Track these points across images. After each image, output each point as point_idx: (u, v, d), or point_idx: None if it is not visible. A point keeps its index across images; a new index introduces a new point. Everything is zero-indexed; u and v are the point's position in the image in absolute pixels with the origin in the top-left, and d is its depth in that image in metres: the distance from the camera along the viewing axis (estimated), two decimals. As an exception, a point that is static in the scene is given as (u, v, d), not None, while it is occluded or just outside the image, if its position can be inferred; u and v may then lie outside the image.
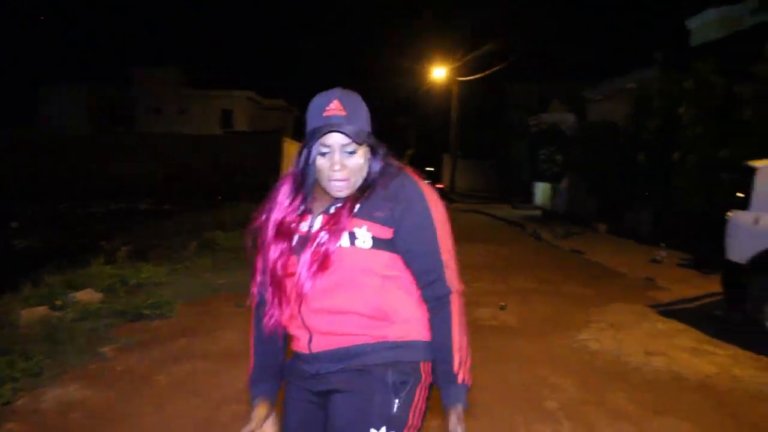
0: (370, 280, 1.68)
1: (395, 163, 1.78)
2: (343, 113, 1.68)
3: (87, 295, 6.67)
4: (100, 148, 30.55)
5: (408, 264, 1.72)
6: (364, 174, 1.73)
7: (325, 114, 1.68)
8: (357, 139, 1.68)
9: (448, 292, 1.69)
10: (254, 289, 1.87)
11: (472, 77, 30.68)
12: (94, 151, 30.27)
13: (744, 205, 6.16)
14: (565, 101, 25.67)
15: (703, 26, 19.49)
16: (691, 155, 11.57)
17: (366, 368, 1.68)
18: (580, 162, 17.85)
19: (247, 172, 30.04)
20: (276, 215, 1.78)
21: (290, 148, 35.75)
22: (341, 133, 1.66)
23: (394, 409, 1.66)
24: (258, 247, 1.81)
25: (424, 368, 1.73)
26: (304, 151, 1.75)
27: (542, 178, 22.04)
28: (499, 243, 13.25)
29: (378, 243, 1.67)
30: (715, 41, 14.17)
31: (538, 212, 21.87)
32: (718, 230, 6.65)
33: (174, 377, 4.68)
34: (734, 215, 6.28)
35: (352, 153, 1.69)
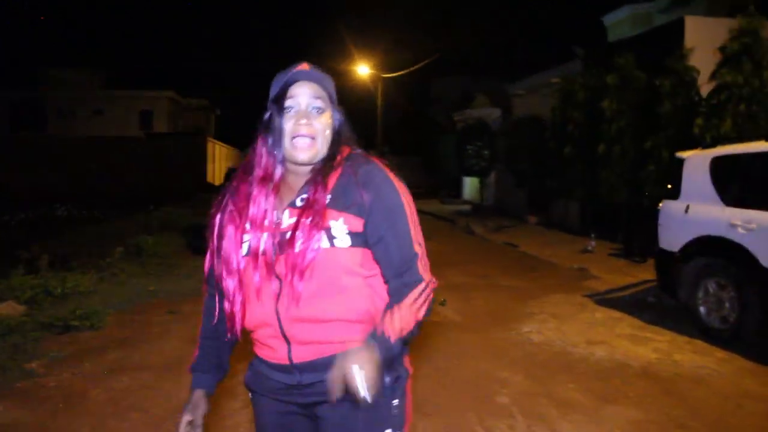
0: (354, 282, 1.57)
1: (360, 150, 1.70)
2: (313, 71, 1.63)
3: (8, 308, 6.30)
4: (6, 153, 29.16)
5: (377, 255, 1.59)
6: (328, 142, 1.63)
7: (293, 71, 1.61)
8: (327, 90, 1.63)
9: (419, 280, 1.57)
10: (206, 286, 1.78)
11: (395, 74, 30.80)
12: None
13: (674, 195, 6.35)
14: (489, 96, 26.11)
15: (618, 23, 20.24)
16: (615, 147, 11.91)
17: None
18: (507, 156, 18.16)
19: (171, 175, 29.26)
20: (237, 207, 1.64)
21: (214, 149, 35.10)
22: (310, 80, 1.60)
23: (395, 410, 1.60)
24: (215, 240, 1.67)
25: (407, 361, 1.69)
26: (269, 116, 1.64)
27: (470, 173, 22.30)
28: (431, 238, 13.22)
29: (355, 239, 1.55)
30: (630, 37, 14.66)
31: (467, 207, 22.14)
32: (644, 220, 6.83)
33: (111, 392, 4.45)
34: (665, 205, 6.46)
35: (320, 111, 1.61)
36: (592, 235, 11.55)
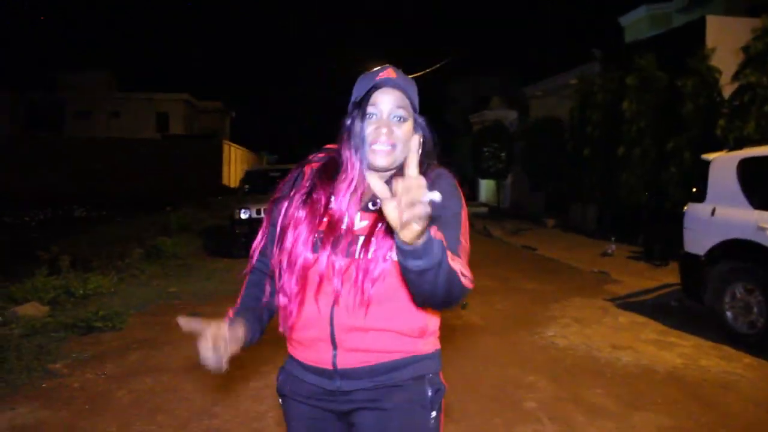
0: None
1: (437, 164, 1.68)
2: (398, 78, 1.61)
3: (32, 309, 6.33)
4: (23, 154, 29.42)
5: None
6: (408, 151, 1.56)
7: (377, 78, 1.59)
8: (411, 98, 1.60)
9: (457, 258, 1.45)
10: (252, 261, 1.71)
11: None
12: (17, 157, 29.14)
13: (700, 197, 6.26)
14: (506, 98, 26.04)
15: (635, 23, 20.12)
16: (635, 149, 11.81)
17: (400, 384, 1.57)
18: (524, 158, 18.08)
19: (187, 177, 29.39)
20: (313, 204, 1.59)
21: (230, 151, 35.21)
22: (395, 88, 1.57)
23: (432, 422, 1.60)
24: (276, 227, 1.61)
25: (442, 377, 1.68)
26: (349, 120, 1.61)
27: (486, 175, 22.21)
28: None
29: None
30: (648, 38, 14.55)
31: (484, 209, 22.06)
32: (665, 223, 6.72)
33: (135, 393, 4.45)
34: (691, 208, 6.37)
35: (402, 120, 1.59)
36: (612, 239, 11.46)
